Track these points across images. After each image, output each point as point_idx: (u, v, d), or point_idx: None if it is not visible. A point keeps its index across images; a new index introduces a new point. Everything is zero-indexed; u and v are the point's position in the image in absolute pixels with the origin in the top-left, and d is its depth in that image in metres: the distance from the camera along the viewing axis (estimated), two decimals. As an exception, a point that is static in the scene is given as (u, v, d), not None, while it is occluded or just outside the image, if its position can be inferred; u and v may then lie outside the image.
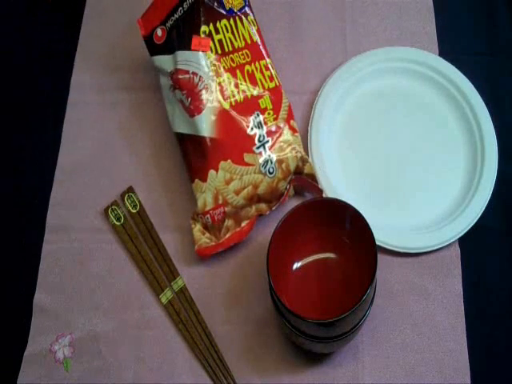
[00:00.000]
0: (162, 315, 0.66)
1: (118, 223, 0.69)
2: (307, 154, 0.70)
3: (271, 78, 0.67)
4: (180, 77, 0.64)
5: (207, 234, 0.66)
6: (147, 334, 0.65)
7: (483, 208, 0.67)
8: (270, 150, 0.66)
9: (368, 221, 0.57)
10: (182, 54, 0.65)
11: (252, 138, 0.65)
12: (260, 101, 0.66)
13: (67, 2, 0.82)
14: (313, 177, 0.68)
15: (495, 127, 0.71)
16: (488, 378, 0.62)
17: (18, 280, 0.69)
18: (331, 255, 0.63)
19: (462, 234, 0.66)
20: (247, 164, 0.64)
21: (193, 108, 0.64)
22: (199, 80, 0.64)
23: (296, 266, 0.62)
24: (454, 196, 0.69)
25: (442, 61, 0.74)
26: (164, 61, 0.67)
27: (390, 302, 0.65)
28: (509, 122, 0.73)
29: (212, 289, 0.67)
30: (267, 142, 0.66)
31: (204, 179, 0.64)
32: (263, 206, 0.67)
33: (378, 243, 0.59)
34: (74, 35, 0.80)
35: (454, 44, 0.77)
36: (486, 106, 0.72)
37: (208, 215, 0.65)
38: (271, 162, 0.65)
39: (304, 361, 0.63)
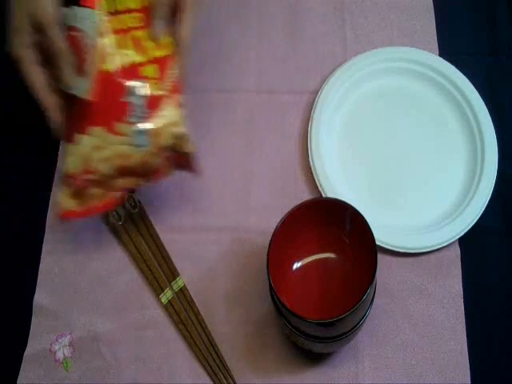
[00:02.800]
0: (161, 315, 0.66)
1: (118, 223, 0.69)
2: (307, 154, 0.70)
3: (161, 47, 0.62)
4: (68, 33, 0.60)
5: (73, 199, 0.62)
6: (147, 334, 0.65)
7: (483, 208, 0.67)
8: (146, 121, 0.60)
9: (368, 221, 0.57)
10: (73, 10, 0.60)
11: (128, 106, 0.60)
12: (144, 68, 0.61)
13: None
14: (191, 156, 0.64)
15: (495, 127, 0.71)
16: (488, 378, 0.62)
17: (18, 280, 0.69)
18: (331, 255, 0.63)
19: (462, 234, 0.66)
20: (120, 133, 0.60)
21: (76, 67, 0.60)
22: (83, 38, 0.59)
23: (296, 266, 0.62)
24: (454, 196, 0.69)
25: (442, 61, 0.74)
26: (66, 14, 0.61)
27: (389, 302, 0.65)
28: (509, 122, 0.73)
29: (212, 289, 0.67)
30: (144, 112, 0.60)
31: (75, 142, 0.60)
32: (134, 179, 0.63)
33: (378, 243, 0.59)
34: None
35: (454, 44, 0.77)
36: (486, 106, 0.72)
37: (74, 179, 0.61)
38: (145, 134, 0.60)
39: (304, 361, 0.63)
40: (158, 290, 0.67)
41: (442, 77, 0.73)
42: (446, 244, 0.66)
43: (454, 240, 0.66)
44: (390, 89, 0.75)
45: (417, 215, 0.68)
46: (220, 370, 0.63)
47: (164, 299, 0.66)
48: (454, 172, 0.70)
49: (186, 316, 0.66)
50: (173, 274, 0.67)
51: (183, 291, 0.67)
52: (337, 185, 0.68)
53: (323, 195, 0.68)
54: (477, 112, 0.71)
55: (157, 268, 0.68)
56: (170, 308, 0.66)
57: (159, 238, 0.69)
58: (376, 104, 0.74)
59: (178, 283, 0.67)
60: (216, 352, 0.64)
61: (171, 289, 0.67)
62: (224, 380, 0.63)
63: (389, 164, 0.71)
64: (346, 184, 0.70)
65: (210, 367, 0.63)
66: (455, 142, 0.72)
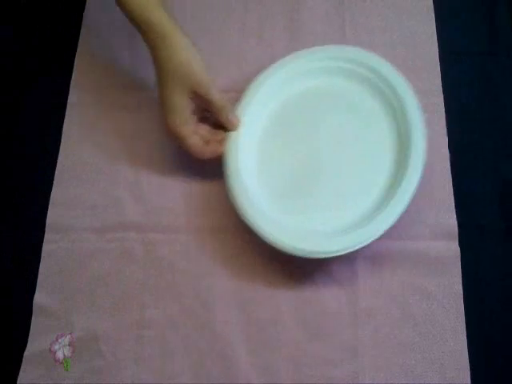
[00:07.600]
0: (162, 315, 0.66)
1: (117, 223, 0.69)
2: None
3: None
4: None
5: None
6: (147, 334, 0.65)
7: (410, 197, 0.62)
8: None
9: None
10: None
11: None
12: None
13: (67, 2, 0.82)
14: None
15: (495, 127, 0.71)
16: (488, 378, 0.62)
17: (18, 280, 0.69)
18: None
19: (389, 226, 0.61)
20: None
21: None
22: None
23: None
24: (377, 194, 0.64)
25: (363, 51, 0.71)
26: None
27: (389, 302, 0.65)
28: (509, 122, 0.73)
29: (212, 288, 0.67)
30: None
31: None
32: None
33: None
34: (74, 35, 0.80)
35: (454, 44, 0.78)
36: (486, 106, 0.72)
37: None
38: None
39: (303, 360, 0.63)
40: (158, 289, 0.67)
41: (366, 68, 0.70)
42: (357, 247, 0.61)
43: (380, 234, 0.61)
44: (316, 89, 0.71)
45: (333, 217, 0.64)
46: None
47: (164, 299, 0.66)
48: (380, 167, 0.66)
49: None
50: (173, 273, 0.68)
51: (183, 291, 0.67)
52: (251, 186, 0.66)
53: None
54: (405, 106, 0.67)
55: (157, 268, 0.68)
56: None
57: (159, 238, 0.69)
58: (301, 106, 0.71)
59: (178, 283, 0.67)
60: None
61: (171, 289, 0.67)
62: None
63: (311, 164, 0.68)
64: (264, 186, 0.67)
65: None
66: (385, 140, 0.67)
